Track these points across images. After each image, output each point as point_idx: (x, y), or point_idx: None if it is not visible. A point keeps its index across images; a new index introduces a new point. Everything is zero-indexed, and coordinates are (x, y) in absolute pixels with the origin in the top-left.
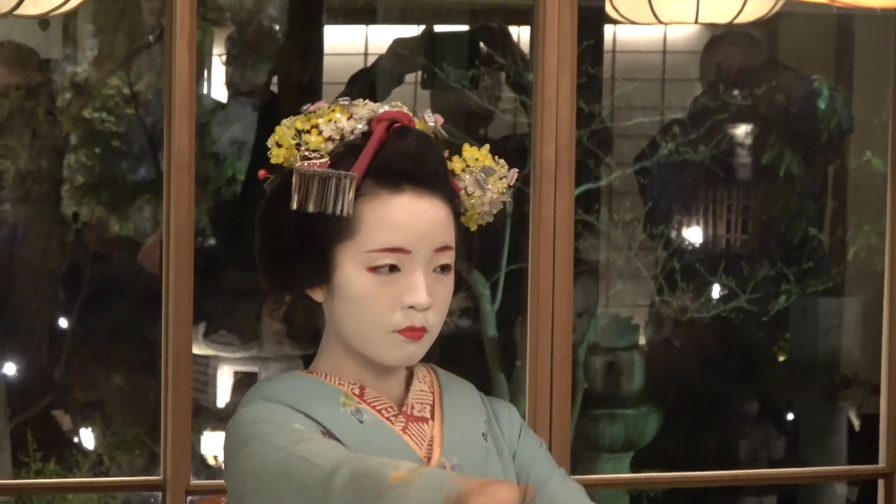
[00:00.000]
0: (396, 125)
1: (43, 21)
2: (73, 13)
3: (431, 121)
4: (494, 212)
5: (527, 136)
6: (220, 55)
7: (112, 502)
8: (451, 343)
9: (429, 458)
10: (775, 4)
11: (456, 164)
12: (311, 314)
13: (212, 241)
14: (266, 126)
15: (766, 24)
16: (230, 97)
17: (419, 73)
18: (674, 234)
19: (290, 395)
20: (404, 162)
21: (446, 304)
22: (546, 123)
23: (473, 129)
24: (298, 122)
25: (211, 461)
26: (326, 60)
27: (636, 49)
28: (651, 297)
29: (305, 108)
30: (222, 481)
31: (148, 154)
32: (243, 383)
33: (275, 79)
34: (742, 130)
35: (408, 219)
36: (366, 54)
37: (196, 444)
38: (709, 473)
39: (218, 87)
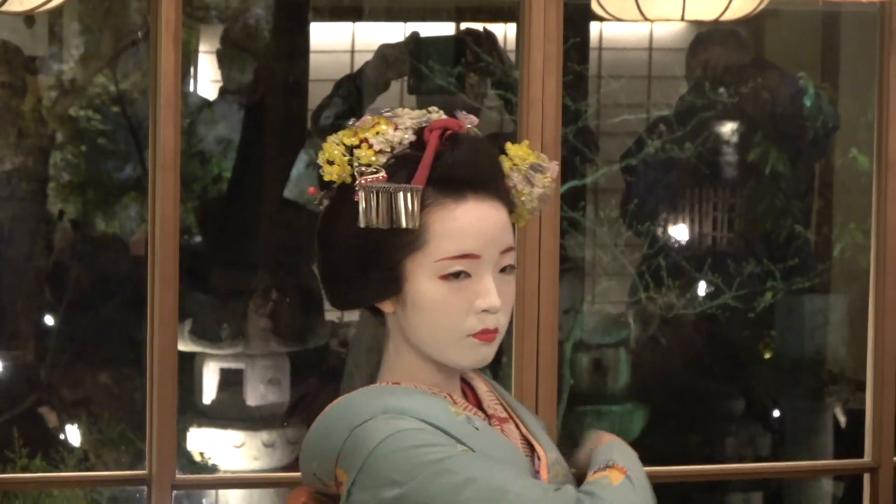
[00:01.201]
0: (448, 132)
1: (28, 18)
2: (58, 11)
3: (468, 122)
4: (541, 207)
5: (513, 134)
6: (206, 53)
7: (98, 498)
8: None
9: (531, 456)
10: (761, 2)
11: (504, 163)
12: (297, 312)
13: (198, 240)
14: (252, 125)
15: (752, 22)
16: (216, 96)
17: (405, 78)
18: (660, 231)
19: (405, 404)
20: (463, 169)
21: (512, 304)
22: (532, 121)
23: None
24: (346, 137)
25: (197, 458)
26: (313, 58)
27: (622, 46)
28: (637, 294)
29: (350, 122)
30: (208, 475)
31: (134, 152)
32: (229, 380)
33: (261, 77)
34: (728, 128)
35: (474, 225)
36: (352, 52)
37: (182, 441)
38: (695, 468)
39: (204, 86)
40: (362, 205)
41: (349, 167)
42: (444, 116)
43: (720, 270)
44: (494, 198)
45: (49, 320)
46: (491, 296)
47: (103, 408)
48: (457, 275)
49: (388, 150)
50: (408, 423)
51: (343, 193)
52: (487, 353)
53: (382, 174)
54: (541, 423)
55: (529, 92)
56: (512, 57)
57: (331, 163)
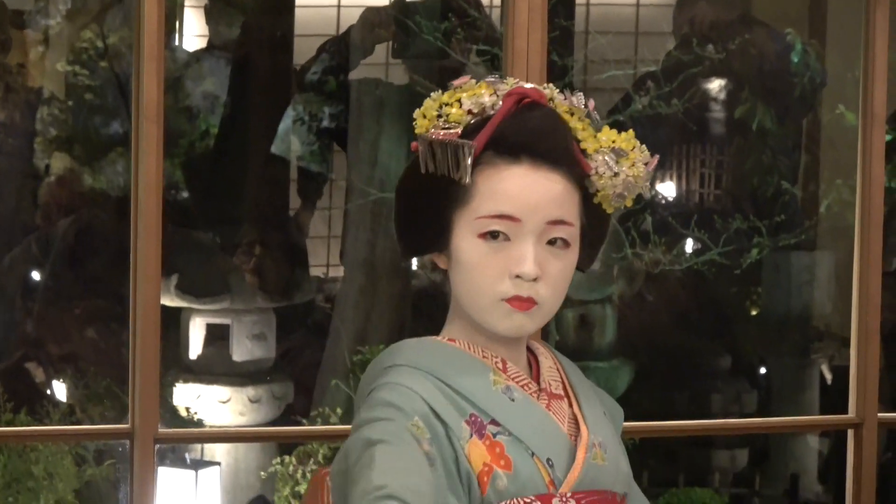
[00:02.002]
0: (526, 100)
1: None
2: None
3: (581, 103)
4: (628, 195)
5: None
6: (192, 7)
7: (83, 452)
8: (424, 297)
9: (575, 437)
10: None
11: (590, 144)
12: (282, 268)
13: (185, 195)
14: (239, 80)
15: None
16: (203, 51)
17: (391, 42)
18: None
19: (438, 365)
20: (524, 135)
21: (562, 280)
22: (517, 75)
23: (445, 84)
24: (445, 96)
25: (182, 412)
26: (298, 13)
27: (609, 2)
28: (623, 250)
29: (453, 83)
30: (190, 430)
31: (121, 108)
32: (215, 335)
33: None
34: (715, 85)
35: (519, 189)
36: (338, 6)
37: (168, 396)
38: (681, 423)
39: (191, 41)
40: (421, 154)
41: (437, 122)
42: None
43: (707, 227)
44: (555, 170)
45: (36, 275)
46: (526, 262)
47: (89, 363)
48: (494, 235)
49: (477, 111)
50: (413, 381)
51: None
52: (523, 322)
53: (456, 130)
54: (606, 407)
55: (514, 45)
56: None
57: (424, 117)
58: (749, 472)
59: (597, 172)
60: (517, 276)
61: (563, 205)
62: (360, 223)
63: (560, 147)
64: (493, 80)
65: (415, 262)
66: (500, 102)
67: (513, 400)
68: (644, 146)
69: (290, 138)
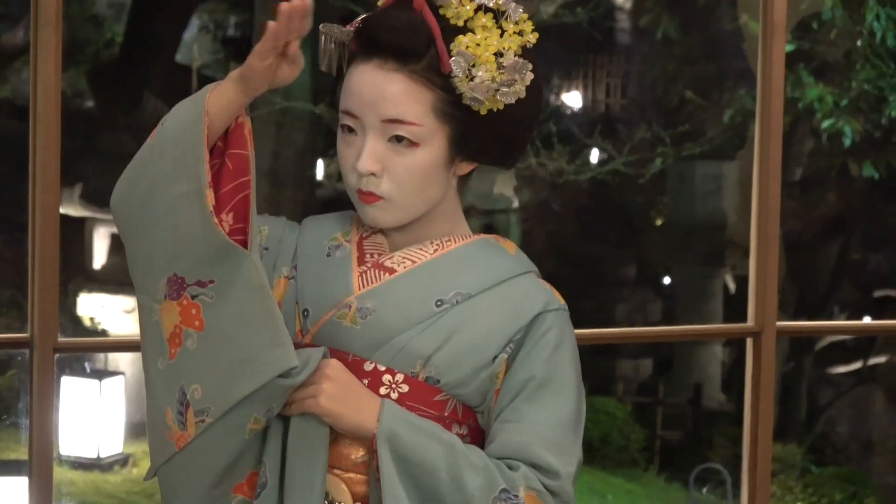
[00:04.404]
0: None
1: None
2: None
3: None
4: (484, 99)
5: None
6: None
7: None
8: (330, 207)
9: (355, 293)
10: None
11: (454, 46)
12: None
13: (89, 104)
14: None
15: None
16: None
17: None
18: (552, 97)
19: (318, 219)
20: (378, 32)
21: (410, 177)
22: None
23: None
24: None
25: (86, 322)
26: None
27: None
28: (527, 159)
29: None
30: (90, 339)
31: (25, 15)
32: (120, 245)
33: None
34: None
35: (359, 86)
36: None
37: (72, 306)
38: (585, 331)
39: None
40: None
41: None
42: None
43: (611, 136)
44: (404, 69)
45: None
46: (361, 158)
47: None
48: (347, 129)
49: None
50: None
51: None
52: (374, 213)
53: (354, 24)
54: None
55: None
56: None
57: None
58: (653, 382)
59: (454, 74)
60: (357, 170)
61: (399, 104)
62: (264, 133)
63: (408, 46)
64: None
65: (320, 172)
66: None
67: (328, 255)
68: (512, 52)
69: (196, 46)
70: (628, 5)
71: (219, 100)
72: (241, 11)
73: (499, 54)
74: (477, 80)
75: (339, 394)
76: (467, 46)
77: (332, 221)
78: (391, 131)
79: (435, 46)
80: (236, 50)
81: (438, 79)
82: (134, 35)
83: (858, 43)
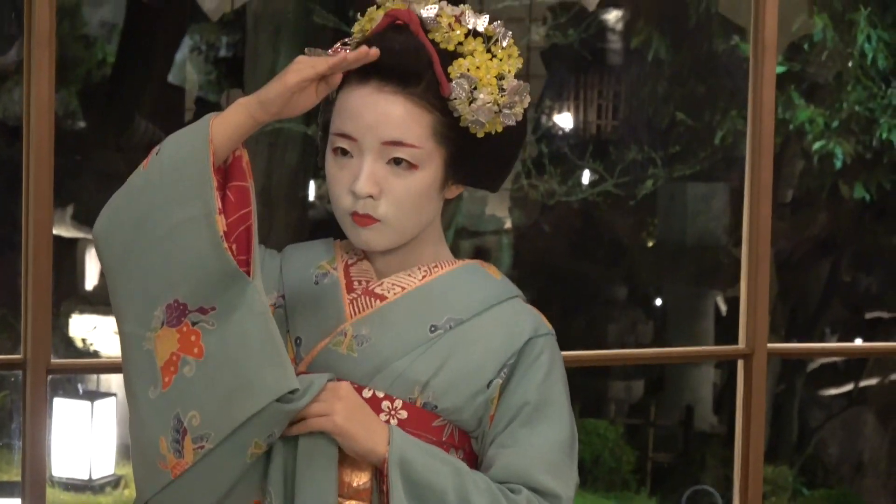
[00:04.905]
0: (398, 22)
1: None
2: None
3: (471, 23)
4: (486, 122)
5: None
6: None
7: None
8: (321, 228)
9: (341, 326)
10: None
11: (454, 69)
12: None
13: (81, 124)
14: (135, 8)
15: None
16: None
17: None
18: (543, 118)
19: (301, 247)
20: (378, 55)
21: (408, 199)
22: None
23: (343, 11)
24: (375, 11)
25: (78, 343)
26: None
27: None
28: (519, 181)
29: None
30: (83, 360)
31: (18, 35)
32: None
33: None
34: (611, 15)
35: (358, 108)
36: None
37: (64, 327)
38: (576, 353)
39: None
40: None
41: (358, 38)
42: (438, 9)
43: (602, 158)
44: (402, 92)
45: None
46: (358, 179)
47: None
48: (341, 152)
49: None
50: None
51: None
52: (367, 236)
53: (337, 47)
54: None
55: None
56: None
57: (359, 29)
58: (644, 403)
59: (454, 96)
60: (354, 193)
61: (400, 126)
62: (256, 153)
63: (408, 70)
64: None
65: (312, 193)
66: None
67: (316, 283)
68: (512, 75)
69: (187, 67)
70: (619, 26)
71: (225, 127)
72: (233, 32)
73: (500, 77)
74: (479, 103)
75: (352, 414)
76: (468, 69)
77: (315, 249)
78: (390, 153)
79: (433, 70)
80: (228, 70)
81: (437, 101)
82: (126, 55)
83: (849, 64)
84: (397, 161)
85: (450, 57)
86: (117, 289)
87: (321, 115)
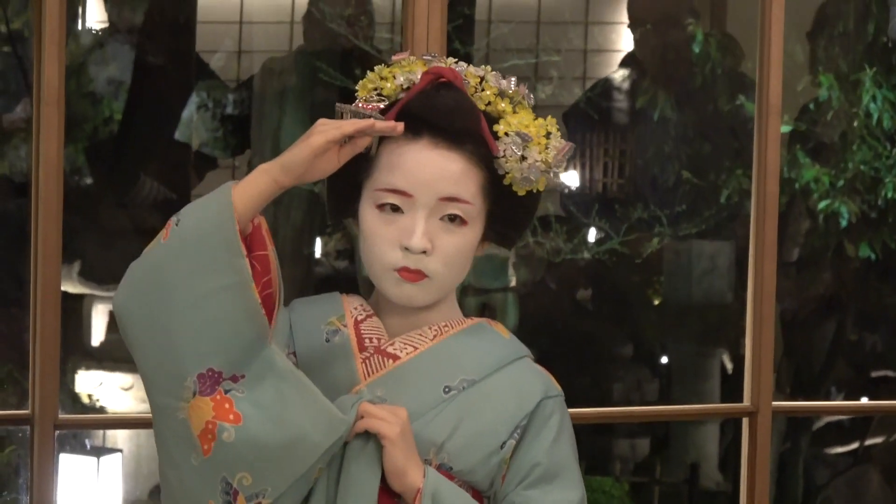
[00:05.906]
0: (442, 80)
1: None
2: None
3: (502, 84)
4: (535, 180)
5: None
6: None
7: None
8: (327, 284)
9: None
10: None
11: (500, 127)
12: None
13: (88, 181)
14: (142, 65)
15: None
16: (107, 36)
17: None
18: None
19: (308, 302)
20: (427, 112)
21: (457, 255)
22: None
23: (349, 69)
24: (384, 70)
25: (84, 399)
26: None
27: None
28: (524, 238)
29: (392, 57)
30: (90, 416)
31: (24, 93)
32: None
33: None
34: (618, 74)
35: (414, 165)
36: None
37: (70, 383)
38: (581, 411)
39: (95, 26)
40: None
41: (373, 94)
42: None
43: (608, 216)
44: (455, 149)
45: None
46: (414, 235)
47: None
48: (390, 207)
49: (408, 87)
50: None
51: None
52: (412, 292)
53: (376, 104)
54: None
55: (414, 33)
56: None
57: (364, 88)
58: (650, 461)
59: (504, 155)
60: (406, 248)
61: (458, 183)
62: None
63: (462, 127)
64: (429, 57)
65: (318, 250)
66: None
67: (328, 341)
68: (558, 133)
69: (194, 124)
70: (626, 85)
71: (248, 194)
72: (239, 89)
73: (547, 135)
74: (530, 161)
75: (406, 434)
76: (527, 126)
77: (323, 304)
78: (445, 210)
79: (481, 127)
80: (234, 128)
81: (485, 159)
82: (133, 112)
83: (854, 124)
84: (451, 217)
85: (485, 116)
86: (143, 360)
87: (348, 173)
